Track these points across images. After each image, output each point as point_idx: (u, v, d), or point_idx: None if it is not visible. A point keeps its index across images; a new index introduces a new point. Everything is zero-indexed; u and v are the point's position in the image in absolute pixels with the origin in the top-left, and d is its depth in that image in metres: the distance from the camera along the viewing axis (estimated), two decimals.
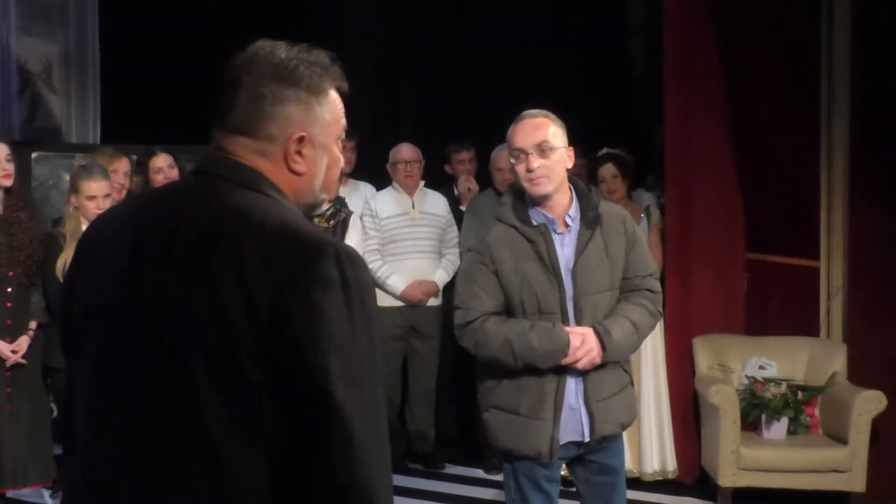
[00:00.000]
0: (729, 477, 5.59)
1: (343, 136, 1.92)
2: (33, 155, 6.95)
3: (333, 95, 1.89)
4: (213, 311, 1.64)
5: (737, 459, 5.57)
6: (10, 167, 5.15)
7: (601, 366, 3.54)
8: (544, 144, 3.48)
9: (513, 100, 7.95)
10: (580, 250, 3.53)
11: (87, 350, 1.78)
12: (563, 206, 3.57)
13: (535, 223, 3.55)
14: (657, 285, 3.73)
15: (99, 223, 1.93)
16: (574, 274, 3.52)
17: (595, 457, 3.69)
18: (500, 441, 3.65)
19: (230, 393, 1.63)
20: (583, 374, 3.54)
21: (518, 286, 3.53)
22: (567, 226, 3.57)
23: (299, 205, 1.86)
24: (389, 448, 1.71)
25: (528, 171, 3.48)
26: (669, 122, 6.22)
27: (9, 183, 5.17)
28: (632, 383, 3.77)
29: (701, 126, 6.15)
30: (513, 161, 3.56)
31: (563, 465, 3.79)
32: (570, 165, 3.56)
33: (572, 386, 3.55)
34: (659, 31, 6.53)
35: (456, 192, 6.84)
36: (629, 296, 3.64)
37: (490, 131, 6.80)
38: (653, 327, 3.75)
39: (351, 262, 1.68)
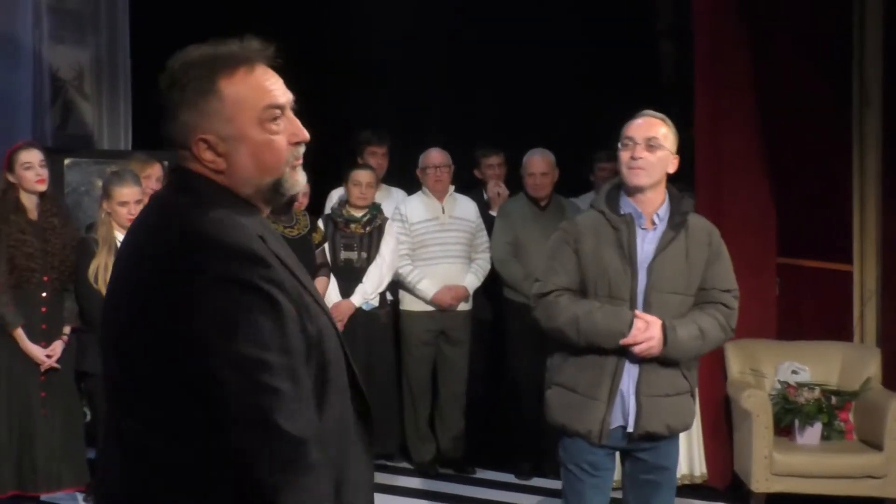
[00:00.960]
0: (762, 482, 5.56)
1: (274, 113, 1.93)
2: (66, 161, 7.00)
3: (235, 83, 1.91)
4: (117, 313, 1.87)
5: (770, 465, 5.54)
6: (45, 173, 5.20)
7: (659, 362, 3.63)
8: (653, 140, 3.62)
9: (542, 104, 8.03)
10: (661, 248, 3.65)
11: None
12: (654, 204, 3.69)
13: (622, 212, 3.67)
14: (734, 303, 3.76)
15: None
16: (650, 269, 3.63)
17: (645, 455, 3.77)
18: (556, 416, 3.78)
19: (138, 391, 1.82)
20: (640, 365, 3.63)
21: (594, 268, 3.66)
22: (654, 224, 3.69)
23: (259, 192, 1.94)
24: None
25: (632, 158, 3.62)
26: (699, 126, 6.19)
27: (43, 188, 5.23)
28: (693, 395, 3.81)
29: (731, 130, 6.12)
30: (620, 148, 3.68)
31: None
32: (671, 170, 3.70)
33: (628, 374, 3.65)
34: (688, 34, 6.50)
35: (485, 196, 6.84)
36: (704, 306, 3.70)
37: (520, 136, 6.83)
38: (721, 341, 3.81)
39: (206, 250, 1.78)
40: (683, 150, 7.47)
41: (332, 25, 9.10)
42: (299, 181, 1.98)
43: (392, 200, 6.72)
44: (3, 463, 5.20)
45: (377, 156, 6.84)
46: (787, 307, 6.32)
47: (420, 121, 8.53)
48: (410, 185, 6.75)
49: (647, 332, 3.55)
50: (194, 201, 1.87)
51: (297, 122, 1.98)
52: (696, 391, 3.86)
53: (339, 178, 6.43)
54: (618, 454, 3.87)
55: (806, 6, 5.97)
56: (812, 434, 5.67)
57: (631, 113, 3.83)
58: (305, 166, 2.03)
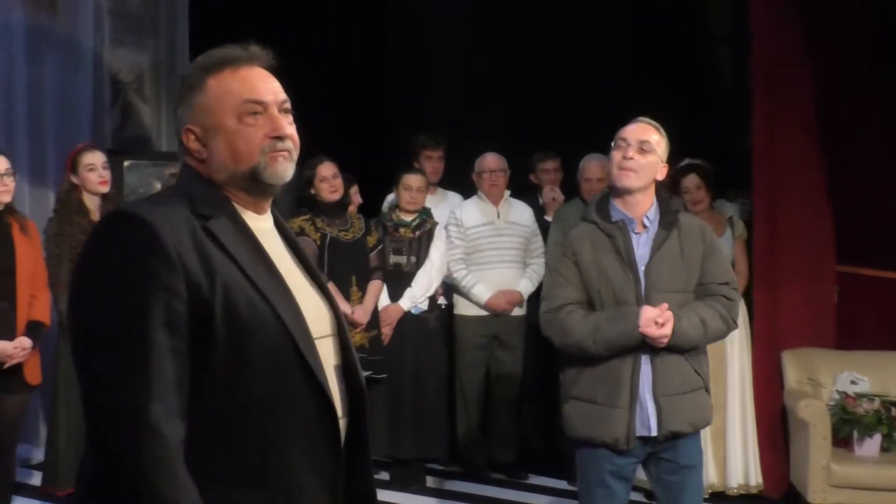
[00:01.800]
0: (819, 493, 5.49)
1: (253, 107, 2.06)
2: (125, 163, 7.09)
3: (221, 80, 2.07)
4: None
5: (827, 476, 5.48)
6: (107, 174, 5.27)
7: (667, 360, 3.67)
8: (645, 144, 3.68)
9: (597, 109, 8.01)
10: (655, 248, 3.71)
11: None
12: (643, 207, 3.75)
13: (614, 219, 3.73)
14: (734, 294, 3.81)
15: None
16: (647, 271, 3.70)
17: (667, 454, 3.78)
18: (577, 429, 3.80)
19: None
20: (652, 368, 3.66)
21: (595, 277, 3.71)
22: (645, 226, 3.74)
23: (235, 179, 2.07)
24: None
25: (624, 158, 3.68)
26: (756, 132, 6.14)
27: (106, 190, 5.29)
28: (707, 390, 3.83)
29: (789, 135, 6.06)
30: (612, 149, 3.74)
31: (639, 467, 3.87)
32: (659, 177, 3.76)
33: (642, 378, 3.67)
34: (744, 40, 6.46)
35: (541, 201, 6.83)
36: (703, 298, 3.75)
37: (576, 141, 6.81)
38: (722, 332, 3.82)
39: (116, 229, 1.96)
40: (736, 156, 7.46)
41: (385, 29, 9.15)
42: (280, 172, 2.09)
43: (447, 204, 6.74)
44: (62, 461, 5.27)
45: (432, 160, 6.84)
46: (846, 316, 6.24)
47: (476, 125, 8.55)
48: (467, 190, 6.75)
49: (662, 315, 3.59)
50: (155, 195, 2.14)
51: (280, 120, 2.09)
52: (710, 386, 3.86)
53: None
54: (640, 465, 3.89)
55: (864, 9, 5.90)
56: (871, 445, 5.60)
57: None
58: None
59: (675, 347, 3.66)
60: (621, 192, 3.72)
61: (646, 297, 3.66)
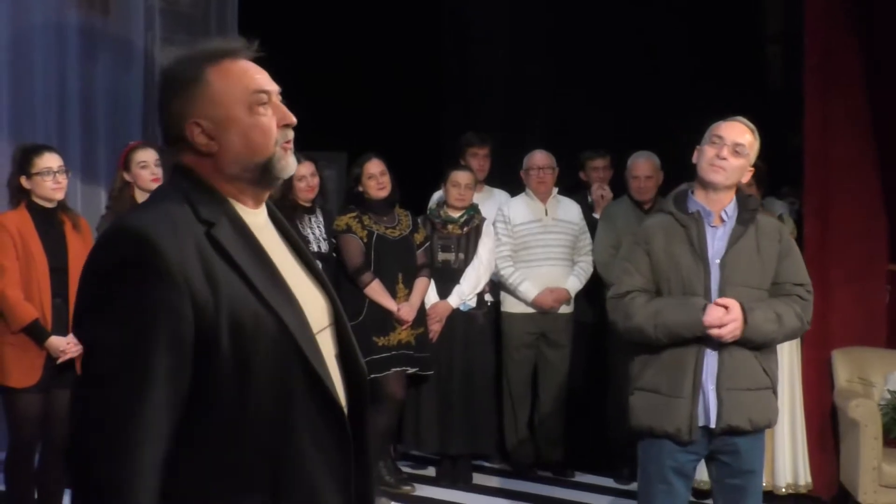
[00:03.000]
0: (870, 494, 5.44)
1: (261, 98, 2.03)
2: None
3: (222, 71, 2.03)
4: None
5: (878, 476, 5.42)
6: (159, 172, 5.31)
7: (736, 355, 3.69)
8: (740, 147, 3.74)
9: (647, 107, 7.98)
10: (732, 243, 3.75)
11: None
12: (722, 203, 3.80)
13: (690, 210, 3.79)
14: (809, 296, 3.83)
15: None
16: (723, 264, 3.73)
17: (728, 458, 3.81)
18: (641, 420, 3.82)
19: None
20: (719, 360, 3.70)
21: (666, 266, 3.77)
22: (722, 220, 3.79)
23: (247, 173, 2.03)
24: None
25: (717, 156, 3.73)
26: (809, 130, 6.08)
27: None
28: (774, 391, 3.84)
29: (842, 133, 6.00)
30: (706, 143, 3.79)
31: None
32: (744, 180, 3.85)
33: (707, 370, 3.71)
34: (798, 37, 6.40)
35: (589, 199, 6.82)
36: (779, 297, 3.77)
37: (625, 139, 6.79)
38: (797, 330, 3.86)
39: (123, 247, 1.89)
40: (787, 154, 7.40)
41: (437, 28, 9.17)
42: (290, 164, 2.08)
43: (494, 202, 6.74)
44: None
45: (478, 157, 6.85)
46: None
47: (524, 123, 8.55)
48: (516, 188, 6.75)
49: (729, 315, 3.61)
50: (156, 198, 2.04)
51: (284, 108, 2.08)
52: (777, 389, 3.88)
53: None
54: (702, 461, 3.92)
55: None
56: None
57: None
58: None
59: (748, 341, 3.68)
60: (706, 186, 3.78)
61: (720, 290, 3.70)
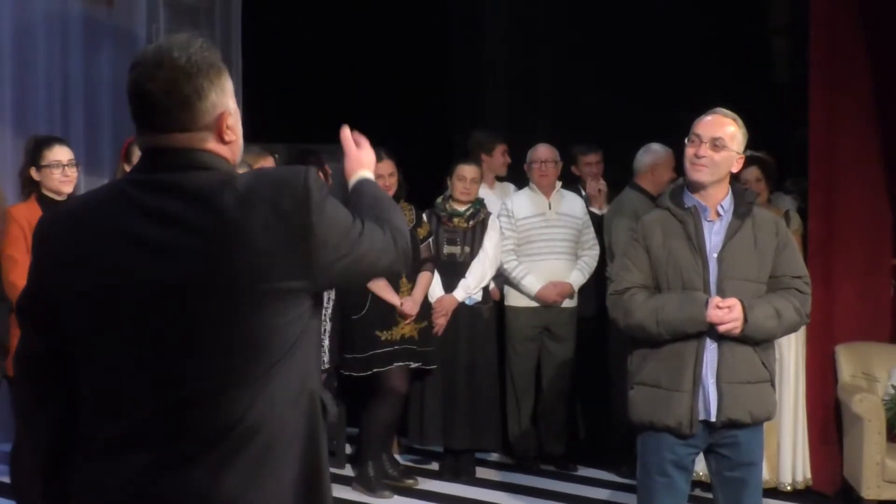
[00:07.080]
0: (873, 489, 5.44)
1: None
2: None
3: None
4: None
5: (882, 471, 5.41)
6: None
7: (736, 349, 3.70)
8: (718, 140, 3.71)
9: (654, 100, 7.97)
10: (729, 236, 3.75)
11: None
12: (717, 197, 3.78)
13: (687, 206, 3.78)
14: (807, 288, 3.83)
15: None
16: (720, 258, 3.73)
17: (728, 451, 3.81)
18: (642, 414, 3.81)
19: None
20: (718, 354, 3.70)
21: (664, 262, 3.77)
22: (719, 215, 3.78)
23: (234, 163, 2.15)
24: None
25: (695, 156, 3.72)
26: (814, 124, 6.07)
27: None
28: (772, 384, 3.85)
29: (847, 128, 5.98)
30: (686, 143, 3.77)
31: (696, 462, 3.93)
32: (734, 170, 3.81)
33: (707, 364, 3.72)
34: (804, 31, 6.38)
35: (583, 193, 6.81)
36: (777, 291, 3.77)
37: (632, 132, 6.77)
38: (796, 324, 3.86)
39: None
40: (792, 148, 7.38)
41: (445, 24, 9.16)
42: None
43: (501, 195, 6.77)
44: None
45: (497, 153, 6.96)
46: None
47: (528, 117, 8.54)
48: (522, 183, 6.75)
49: (730, 313, 3.61)
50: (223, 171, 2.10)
51: None
52: (776, 381, 3.90)
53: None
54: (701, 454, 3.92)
55: None
56: None
57: (742, 111, 3.85)
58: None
59: (748, 338, 3.69)
60: (694, 186, 3.78)
61: (718, 284, 3.70)
